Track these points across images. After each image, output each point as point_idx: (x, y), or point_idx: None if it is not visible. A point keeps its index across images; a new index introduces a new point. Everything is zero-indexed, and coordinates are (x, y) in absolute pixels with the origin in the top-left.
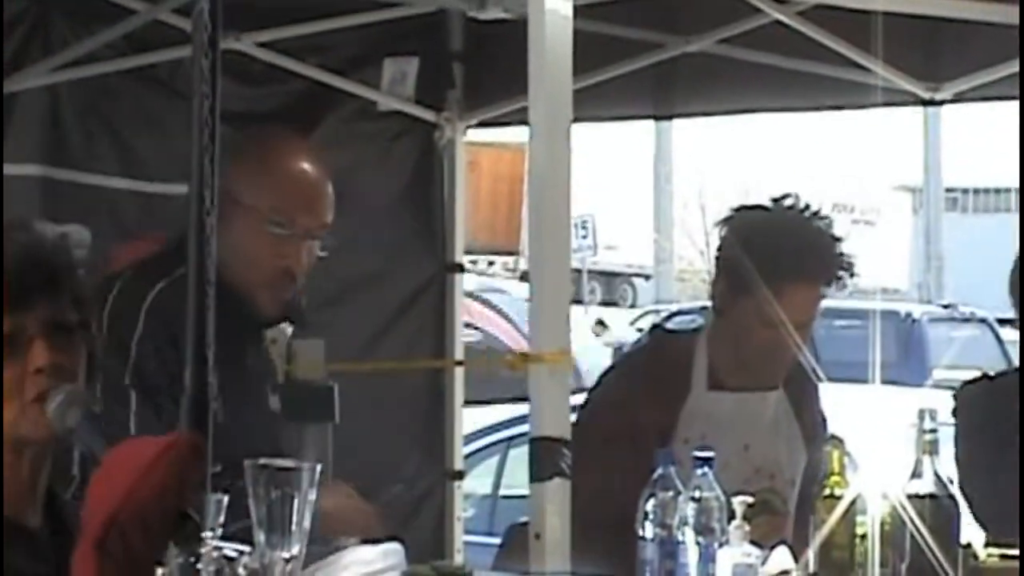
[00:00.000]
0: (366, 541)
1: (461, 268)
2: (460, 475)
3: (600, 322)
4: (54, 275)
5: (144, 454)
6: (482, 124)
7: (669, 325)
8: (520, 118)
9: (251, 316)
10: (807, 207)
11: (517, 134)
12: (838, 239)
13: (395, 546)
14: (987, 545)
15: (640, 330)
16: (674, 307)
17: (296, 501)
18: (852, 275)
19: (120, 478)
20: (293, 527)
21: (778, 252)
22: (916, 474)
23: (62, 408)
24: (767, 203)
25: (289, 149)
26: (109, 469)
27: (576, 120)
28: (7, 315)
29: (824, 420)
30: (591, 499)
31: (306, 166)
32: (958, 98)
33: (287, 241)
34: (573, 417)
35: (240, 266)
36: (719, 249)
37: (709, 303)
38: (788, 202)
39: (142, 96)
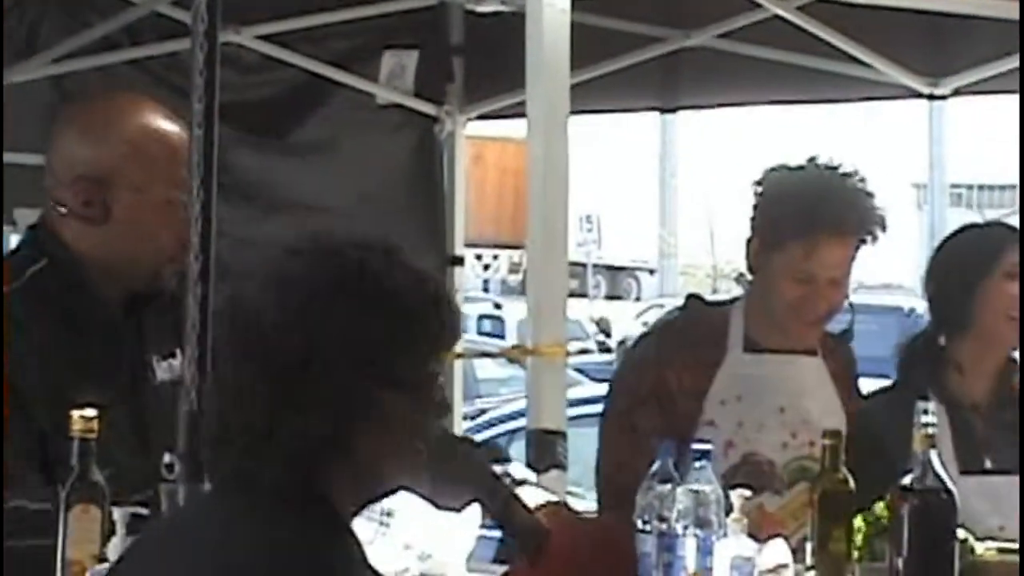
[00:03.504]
0: None
1: (461, 261)
2: None
3: (600, 322)
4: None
5: None
6: (482, 117)
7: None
8: (520, 111)
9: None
10: (840, 165)
11: (523, 127)
12: (871, 195)
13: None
14: (983, 539)
15: (645, 324)
16: (678, 301)
17: None
18: (885, 230)
19: None
20: None
21: (812, 207)
22: (913, 467)
23: None
24: (800, 163)
25: (131, 110)
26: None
27: (580, 112)
28: (404, 359)
29: (863, 397)
30: (617, 460)
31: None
32: (958, 92)
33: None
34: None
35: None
36: (754, 208)
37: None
38: (821, 160)
39: (140, 88)
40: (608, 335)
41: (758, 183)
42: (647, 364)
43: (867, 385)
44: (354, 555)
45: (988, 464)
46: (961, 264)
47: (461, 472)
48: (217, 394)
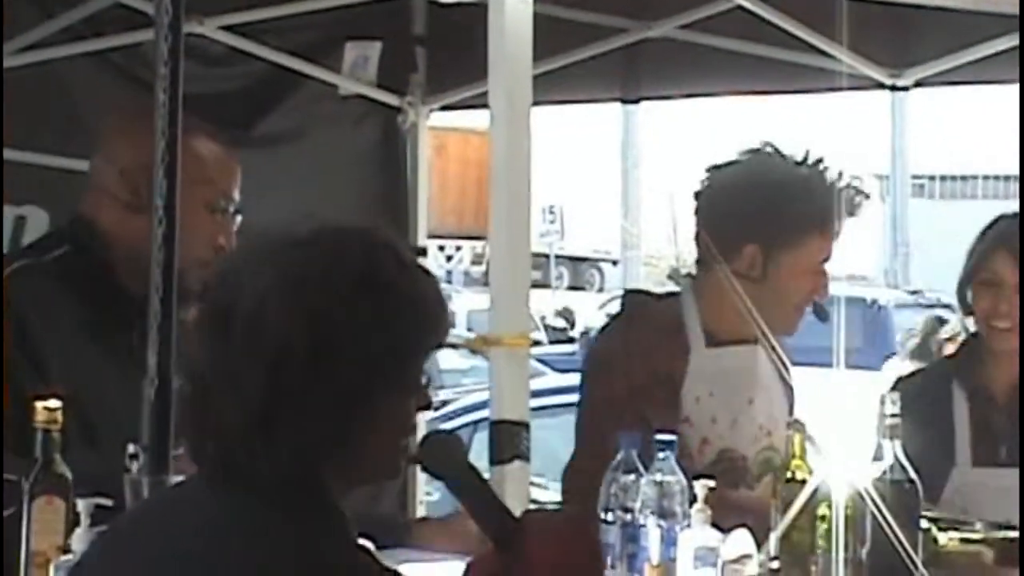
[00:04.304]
0: None
1: (424, 252)
2: None
3: (563, 312)
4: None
5: None
6: (445, 108)
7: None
8: (483, 102)
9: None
10: (780, 150)
11: (486, 118)
12: (838, 174)
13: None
14: (946, 529)
15: (608, 315)
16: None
17: None
18: (867, 197)
19: None
20: None
21: (813, 200)
22: (877, 458)
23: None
24: (743, 155)
25: (195, 128)
26: None
27: (542, 103)
28: (410, 359)
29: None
30: (601, 452)
31: (213, 142)
32: (920, 83)
33: (224, 218)
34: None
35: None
36: (725, 210)
37: (727, 267)
38: (772, 150)
39: (101, 80)
40: (572, 325)
41: (715, 178)
42: (624, 354)
43: (822, 378)
44: (348, 541)
45: (1003, 456)
46: (966, 263)
47: (438, 465)
48: (220, 388)
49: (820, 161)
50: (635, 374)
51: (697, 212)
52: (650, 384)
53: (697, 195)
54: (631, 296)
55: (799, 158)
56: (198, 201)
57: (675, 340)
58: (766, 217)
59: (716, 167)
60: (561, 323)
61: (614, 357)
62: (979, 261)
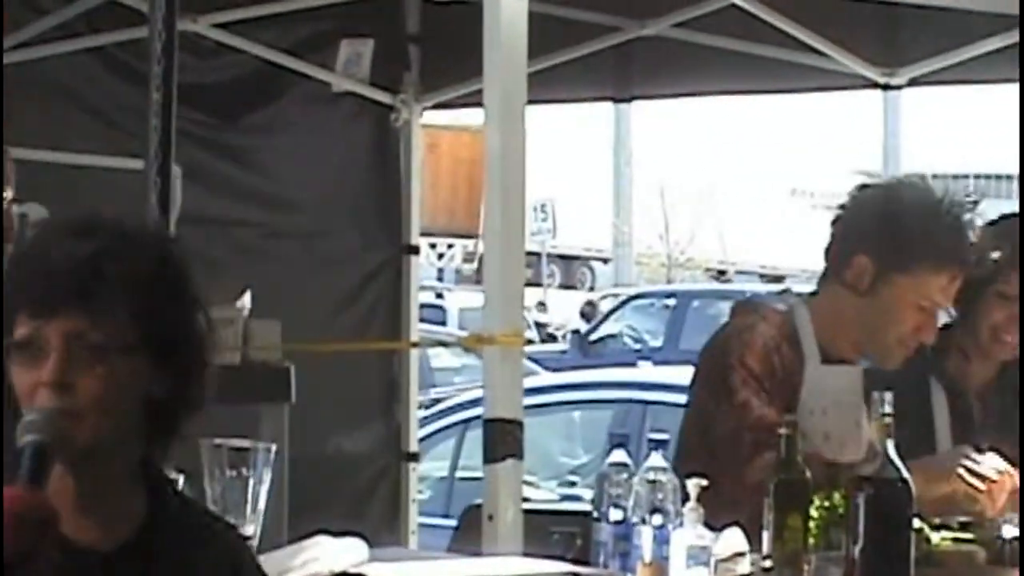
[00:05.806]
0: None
1: (417, 250)
2: (415, 457)
3: (590, 304)
4: (86, 286)
5: None
6: (439, 106)
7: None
8: (476, 100)
9: None
10: (929, 186)
11: (478, 116)
12: (975, 225)
13: (358, 541)
14: (939, 528)
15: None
16: (632, 290)
17: (251, 481)
18: (994, 262)
19: None
20: (248, 507)
21: (953, 241)
22: (870, 457)
23: (20, 430)
24: (892, 180)
25: None
26: None
27: (536, 101)
28: (30, 319)
29: None
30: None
31: None
32: (913, 83)
33: None
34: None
35: None
36: (852, 223)
37: (841, 282)
38: (919, 180)
39: (97, 75)
40: (591, 318)
41: (860, 196)
42: (744, 349)
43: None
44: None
45: (982, 444)
46: (976, 266)
47: None
48: None
49: (964, 205)
50: (758, 367)
51: (832, 225)
52: (772, 381)
53: (837, 212)
54: (745, 302)
55: (941, 194)
56: None
57: (792, 347)
58: (881, 232)
59: (860, 187)
60: (543, 318)
61: (739, 350)
62: (996, 271)
